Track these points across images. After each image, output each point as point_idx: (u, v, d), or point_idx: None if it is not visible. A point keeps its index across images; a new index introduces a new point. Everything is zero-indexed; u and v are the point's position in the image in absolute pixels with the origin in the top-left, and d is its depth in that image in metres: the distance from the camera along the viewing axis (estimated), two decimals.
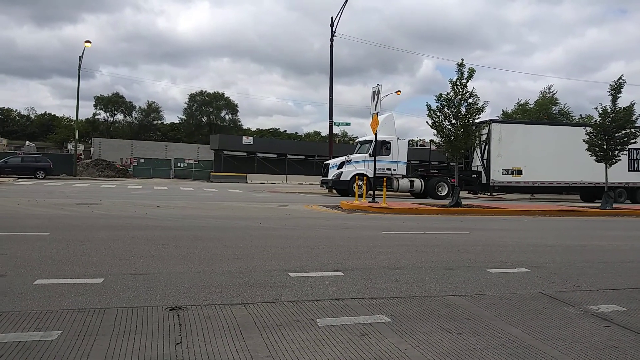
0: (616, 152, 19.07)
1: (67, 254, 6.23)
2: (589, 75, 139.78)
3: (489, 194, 27.50)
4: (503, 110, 61.90)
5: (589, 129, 20.01)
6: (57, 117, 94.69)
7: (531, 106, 58.89)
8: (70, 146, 62.97)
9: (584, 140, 19.82)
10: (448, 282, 5.51)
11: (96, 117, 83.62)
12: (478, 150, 25.38)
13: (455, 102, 16.84)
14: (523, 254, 7.69)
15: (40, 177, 32.85)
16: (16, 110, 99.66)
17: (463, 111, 16.91)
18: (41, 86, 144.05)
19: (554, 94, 59.45)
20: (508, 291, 5.20)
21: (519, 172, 25.48)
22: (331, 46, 30.16)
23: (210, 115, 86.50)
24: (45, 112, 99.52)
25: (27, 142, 68.25)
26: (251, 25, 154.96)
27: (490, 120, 26.07)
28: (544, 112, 56.13)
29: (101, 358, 2.99)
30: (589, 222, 14.55)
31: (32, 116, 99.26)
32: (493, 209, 16.70)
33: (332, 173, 24.71)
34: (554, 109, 58.80)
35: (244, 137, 51.01)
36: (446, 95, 16.97)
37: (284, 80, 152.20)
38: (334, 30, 29.95)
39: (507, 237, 10.04)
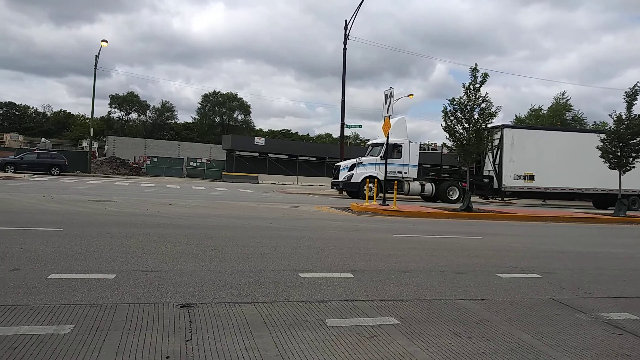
0: (630, 159, 18.84)
1: (80, 249, 6.31)
2: (604, 81, 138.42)
3: (500, 199, 27.32)
4: (516, 116, 61.52)
5: (603, 136, 19.80)
6: (73, 114, 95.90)
7: (544, 112, 58.45)
8: (85, 144, 63.58)
9: (597, 147, 19.61)
10: (458, 285, 5.49)
11: (111, 115, 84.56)
12: (490, 155, 25.22)
13: (468, 107, 16.80)
14: (534, 259, 7.64)
15: (55, 173, 33.24)
16: (33, 107, 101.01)
17: (476, 115, 16.85)
18: (58, 84, 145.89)
19: (568, 100, 59.00)
20: (518, 296, 5.17)
21: (531, 177, 25.28)
22: (344, 49, 30.18)
23: (223, 115, 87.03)
24: (61, 109, 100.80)
25: (42, 139, 69.18)
26: (265, 27, 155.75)
27: (503, 125, 25.90)
28: (557, 118, 55.67)
29: (113, 353, 3.04)
30: (601, 229, 14.38)
31: (49, 113, 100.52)
32: (504, 214, 16.59)
33: (343, 175, 24.70)
34: (567, 115, 58.29)
35: (256, 138, 51.18)
36: (459, 100, 16.92)
37: (297, 82, 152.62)
38: (347, 33, 29.96)
39: (518, 242, 9.97)
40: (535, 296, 5.23)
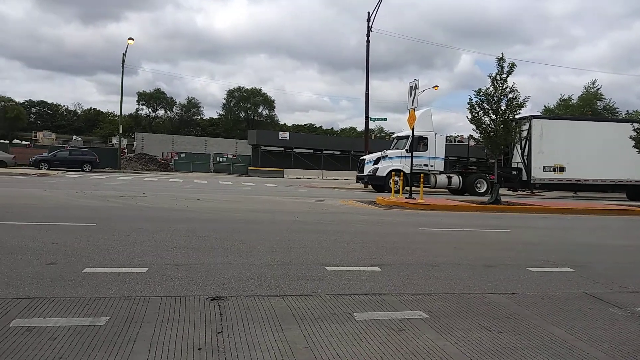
0: None
1: (112, 244, 6.48)
2: (637, 69, 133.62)
3: (529, 191, 26.77)
4: (545, 106, 60.20)
5: (636, 125, 19.19)
6: (102, 112, 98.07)
7: (574, 101, 56.97)
8: (114, 140, 65.05)
9: (631, 137, 19.02)
10: (487, 279, 5.43)
11: (139, 112, 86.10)
12: (518, 146, 24.75)
13: (495, 97, 16.48)
14: (566, 253, 7.48)
15: (87, 170, 34.07)
16: (64, 105, 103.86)
17: (503, 106, 16.53)
18: (87, 82, 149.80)
19: (599, 88, 57.31)
20: (550, 290, 5.08)
21: (561, 169, 24.70)
22: (368, 41, 29.97)
23: (247, 110, 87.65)
24: (91, 107, 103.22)
25: (74, 137, 71.04)
26: (288, 21, 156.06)
27: (531, 115, 25.34)
28: (588, 107, 54.19)
29: (147, 344, 3.12)
30: (636, 222, 13.97)
31: (79, 111, 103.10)
32: (534, 207, 16.27)
33: (368, 168, 24.61)
34: (598, 104, 56.68)
35: (280, 133, 51.46)
36: (486, 90, 16.62)
37: (320, 76, 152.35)
38: (370, 25, 29.74)
39: (549, 235, 9.78)
40: (567, 290, 5.13)
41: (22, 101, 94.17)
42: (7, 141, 56.62)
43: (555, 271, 6.06)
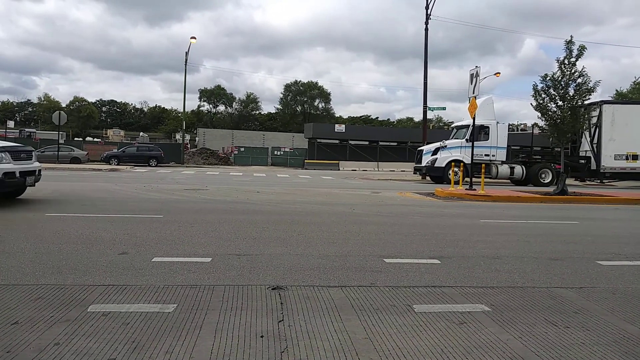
0: None
1: (179, 234, 6.78)
2: None
3: (598, 181, 25.31)
4: (617, 90, 56.49)
5: None
6: (167, 109, 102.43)
7: None
8: (178, 136, 67.73)
9: None
10: (553, 273, 5.21)
11: (200, 108, 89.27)
12: (587, 134, 23.44)
13: (562, 83, 15.68)
14: (639, 245, 7.05)
15: (153, 165, 35.73)
16: (131, 104, 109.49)
17: (571, 92, 15.71)
18: (152, 81, 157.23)
19: None
20: (622, 285, 4.81)
21: (635, 157, 23.17)
22: (426, 29, 29.33)
23: (304, 104, 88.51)
24: (156, 105, 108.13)
25: (141, 133, 74.64)
26: (345, 13, 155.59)
27: (602, 101, 23.90)
28: None
29: (212, 331, 3.26)
30: None
31: (145, 109, 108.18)
32: (604, 197, 15.37)
33: (426, 159, 24.15)
34: None
35: (336, 125, 51.54)
36: (552, 76, 15.84)
37: (376, 66, 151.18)
38: (429, 13, 29.07)
39: (621, 227, 9.23)
40: None
41: (93, 101, 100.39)
42: (81, 139, 60.40)
43: (628, 265, 5.72)
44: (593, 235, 8.00)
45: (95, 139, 59.86)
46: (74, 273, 4.62)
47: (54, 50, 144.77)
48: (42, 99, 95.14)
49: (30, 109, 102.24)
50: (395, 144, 49.58)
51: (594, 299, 4.30)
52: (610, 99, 39.72)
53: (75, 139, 62.29)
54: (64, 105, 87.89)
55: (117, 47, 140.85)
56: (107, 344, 2.97)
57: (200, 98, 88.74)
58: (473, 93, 17.16)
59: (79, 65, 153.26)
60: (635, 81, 55.41)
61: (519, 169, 23.42)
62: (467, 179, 17.63)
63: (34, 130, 65.87)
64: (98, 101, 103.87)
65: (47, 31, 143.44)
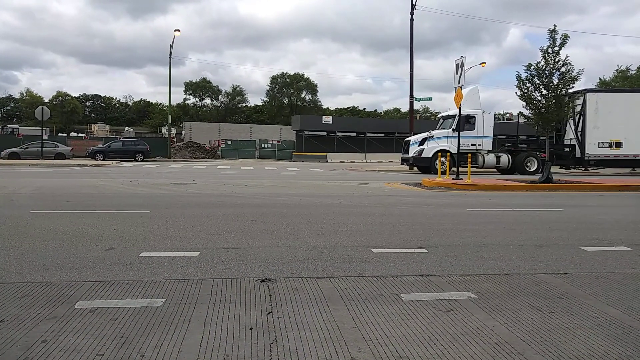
0: None
1: (166, 229, 6.75)
2: None
3: (583, 168, 25.67)
4: (600, 79, 57.11)
5: None
6: (152, 103, 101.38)
7: (633, 72, 53.70)
8: (164, 130, 67.14)
9: None
10: (538, 259, 5.30)
11: (186, 102, 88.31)
12: (571, 122, 23.72)
13: (546, 72, 15.81)
14: (622, 231, 7.17)
15: (139, 159, 35.37)
16: (116, 98, 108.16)
17: (555, 81, 15.84)
18: (137, 75, 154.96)
19: None
20: (605, 270, 4.91)
21: (618, 144, 23.53)
22: (411, 19, 29.35)
23: (291, 96, 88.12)
24: (141, 99, 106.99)
25: (126, 128, 73.91)
26: (331, 3, 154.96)
27: (586, 89, 24.16)
28: None
29: (201, 324, 3.26)
30: None
31: (130, 103, 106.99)
32: (588, 185, 15.60)
33: (413, 150, 24.25)
34: None
35: (323, 117, 51.46)
36: (536, 65, 15.95)
37: (363, 58, 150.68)
38: (414, 3, 29.08)
39: (604, 213, 9.39)
40: (624, 270, 4.94)
41: (77, 95, 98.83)
42: (65, 134, 59.58)
43: (611, 250, 5.83)
44: (577, 222, 8.12)
45: (80, 134, 58.98)
46: (60, 270, 4.58)
47: (35, 44, 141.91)
48: (25, 94, 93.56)
49: (13, 105, 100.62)
50: (382, 135, 49.65)
51: (577, 284, 4.38)
52: (594, 87, 40.17)
53: (59, 134, 61.47)
54: (47, 100, 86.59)
55: (100, 40, 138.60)
56: (95, 340, 2.96)
57: (185, 91, 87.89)
58: (459, 83, 17.24)
59: (62, 59, 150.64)
60: (618, 69, 56.09)
61: (505, 158, 23.63)
62: (454, 169, 17.77)
63: (17, 126, 64.77)
64: (82, 96, 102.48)
65: (28, 25, 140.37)
